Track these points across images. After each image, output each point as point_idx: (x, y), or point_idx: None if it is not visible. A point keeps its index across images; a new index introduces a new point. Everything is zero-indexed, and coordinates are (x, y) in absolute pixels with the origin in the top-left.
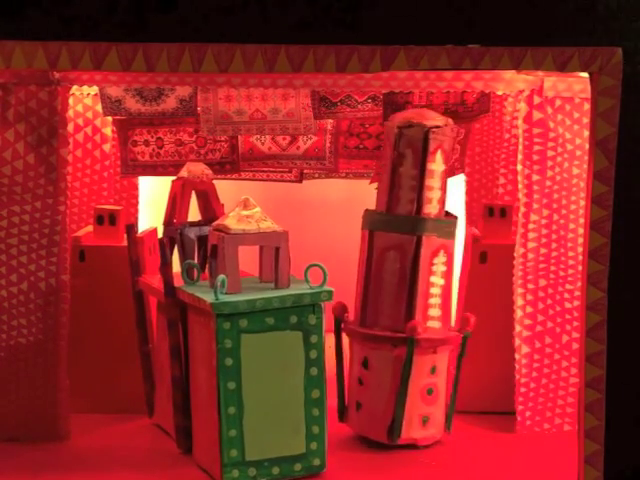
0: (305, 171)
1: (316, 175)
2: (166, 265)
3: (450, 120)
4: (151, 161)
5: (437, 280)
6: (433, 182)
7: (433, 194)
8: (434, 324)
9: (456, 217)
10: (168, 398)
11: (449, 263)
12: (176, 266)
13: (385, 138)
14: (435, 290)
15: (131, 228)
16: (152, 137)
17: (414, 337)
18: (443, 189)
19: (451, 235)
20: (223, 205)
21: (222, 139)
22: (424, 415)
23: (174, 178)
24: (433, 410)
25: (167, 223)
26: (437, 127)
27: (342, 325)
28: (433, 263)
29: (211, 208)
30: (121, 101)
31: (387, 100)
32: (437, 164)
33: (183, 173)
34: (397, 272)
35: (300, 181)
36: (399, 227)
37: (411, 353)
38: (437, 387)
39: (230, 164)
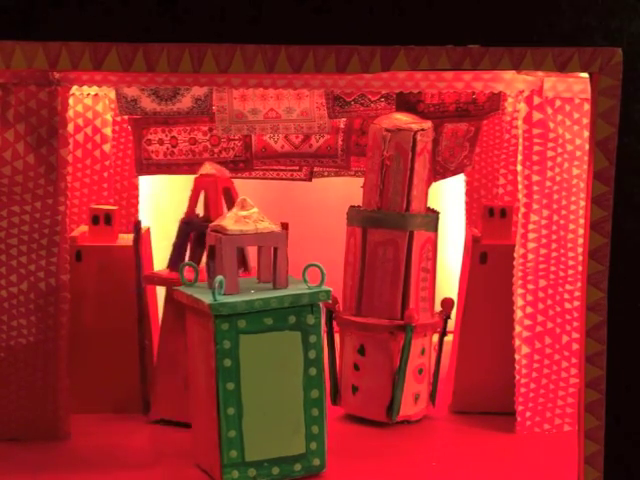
0: (315, 169)
1: (325, 173)
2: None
3: (430, 122)
4: (165, 160)
5: (426, 270)
6: (420, 181)
7: (420, 192)
8: (424, 310)
9: (438, 212)
10: (179, 390)
11: (433, 254)
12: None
13: (371, 140)
14: (425, 279)
15: (139, 225)
16: (166, 136)
17: (412, 324)
18: (427, 186)
19: (435, 228)
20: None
21: (236, 138)
22: (416, 393)
23: (196, 175)
24: (422, 387)
25: (188, 219)
26: (423, 130)
27: (333, 315)
28: (422, 255)
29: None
30: (137, 100)
31: (400, 99)
32: (423, 164)
33: (211, 170)
34: (391, 265)
35: (310, 179)
36: (392, 224)
37: (409, 338)
38: (425, 366)
39: (244, 162)
